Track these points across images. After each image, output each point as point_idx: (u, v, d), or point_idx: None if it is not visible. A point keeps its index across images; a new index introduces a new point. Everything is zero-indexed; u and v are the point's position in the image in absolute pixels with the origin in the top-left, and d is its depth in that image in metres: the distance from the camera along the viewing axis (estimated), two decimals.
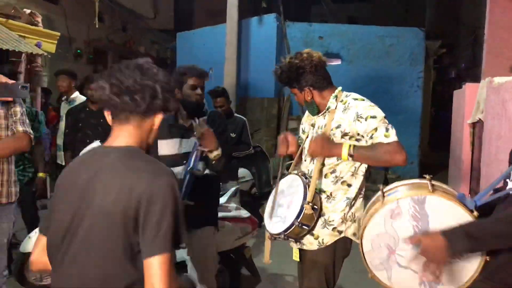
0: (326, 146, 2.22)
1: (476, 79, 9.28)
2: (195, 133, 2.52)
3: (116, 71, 1.41)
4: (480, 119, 4.81)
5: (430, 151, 11.63)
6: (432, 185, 1.82)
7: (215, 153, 2.51)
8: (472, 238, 1.58)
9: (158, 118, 1.47)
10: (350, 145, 2.17)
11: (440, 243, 1.60)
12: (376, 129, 2.16)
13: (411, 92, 8.90)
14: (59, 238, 1.39)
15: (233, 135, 4.68)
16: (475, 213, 1.73)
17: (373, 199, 2.01)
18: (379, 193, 1.97)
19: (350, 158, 2.18)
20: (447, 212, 1.74)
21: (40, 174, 4.19)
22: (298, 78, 2.33)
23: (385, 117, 2.20)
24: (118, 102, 1.39)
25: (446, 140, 7.65)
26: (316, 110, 2.41)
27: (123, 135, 1.44)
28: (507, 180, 1.79)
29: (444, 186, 1.90)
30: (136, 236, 1.32)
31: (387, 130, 2.16)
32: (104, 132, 4.67)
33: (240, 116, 5.02)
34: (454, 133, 6.46)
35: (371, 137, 2.17)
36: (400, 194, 1.86)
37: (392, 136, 2.15)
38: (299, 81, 2.34)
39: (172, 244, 1.32)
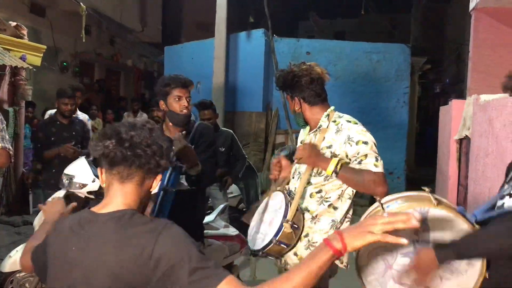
0: (314, 155, 2.19)
1: (460, 94, 9.43)
2: (173, 147, 2.39)
3: (120, 127, 1.37)
4: (466, 135, 4.85)
5: (416, 166, 11.72)
6: (435, 198, 1.77)
7: (195, 169, 2.43)
8: (459, 253, 1.65)
9: (157, 181, 1.43)
10: (338, 162, 2.14)
11: (428, 254, 1.64)
12: (366, 155, 2.15)
13: (397, 107, 8.98)
14: None
15: (221, 149, 4.64)
16: (477, 226, 1.71)
17: (370, 209, 1.93)
18: (377, 204, 1.88)
19: (334, 175, 2.15)
20: (448, 226, 1.71)
21: None
22: (292, 86, 2.33)
23: (375, 144, 2.19)
24: (128, 155, 1.33)
25: (431, 155, 7.71)
26: (302, 122, 2.40)
27: (122, 195, 1.37)
28: (504, 195, 1.78)
29: (444, 200, 1.86)
30: None
31: (376, 159, 2.16)
32: (76, 145, 4.63)
33: (226, 129, 5.00)
34: (440, 148, 6.51)
35: (359, 162, 2.16)
36: (401, 205, 1.79)
37: (380, 167, 2.15)
38: (292, 89, 2.34)
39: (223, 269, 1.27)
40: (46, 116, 5.27)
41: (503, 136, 3.37)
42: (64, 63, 9.98)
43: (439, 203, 1.75)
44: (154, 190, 1.44)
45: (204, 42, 9.04)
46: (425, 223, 1.71)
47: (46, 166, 4.48)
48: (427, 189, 1.83)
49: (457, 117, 5.26)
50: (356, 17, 18.25)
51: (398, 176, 8.94)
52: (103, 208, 1.37)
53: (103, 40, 11.58)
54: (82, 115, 5.13)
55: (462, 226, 1.70)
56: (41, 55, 5.70)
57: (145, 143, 1.35)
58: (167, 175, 2.32)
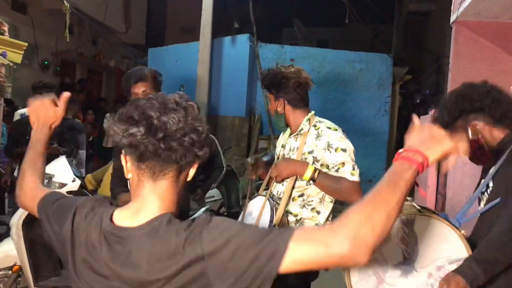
0: (288, 166, 2.22)
1: None
2: None
3: (149, 108, 1.09)
4: None
5: None
6: (418, 206, 1.78)
7: None
8: (484, 265, 1.57)
9: (194, 168, 1.18)
10: (315, 169, 2.17)
11: (458, 281, 1.57)
12: (343, 163, 2.19)
13: (378, 116, 9.11)
14: None
15: None
16: (463, 231, 1.70)
17: None
18: None
19: (311, 182, 2.18)
20: (436, 233, 1.70)
21: None
22: (278, 86, 2.35)
23: (353, 152, 2.23)
24: (162, 149, 1.07)
25: None
26: (283, 124, 2.42)
27: (157, 197, 1.13)
28: (481, 196, 1.81)
29: (426, 207, 1.87)
30: None
31: (353, 168, 2.19)
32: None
33: (209, 135, 4.91)
34: None
35: (336, 170, 2.19)
36: None
37: (356, 176, 2.19)
38: (278, 89, 2.36)
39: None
40: (17, 116, 5.17)
41: None
42: (45, 62, 9.81)
43: (424, 210, 1.76)
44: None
45: (189, 45, 9.02)
46: (412, 231, 1.71)
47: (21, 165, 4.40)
48: (409, 199, 1.85)
49: None
50: (339, 26, 18.47)
51: None
52: (135, 215, 1.13)
53: (85, 39, 11.43)
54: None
55: (448, 231, 1.69)
56: (22, 52, 5.58)
57: (181, 131, 1.09)
58: None
